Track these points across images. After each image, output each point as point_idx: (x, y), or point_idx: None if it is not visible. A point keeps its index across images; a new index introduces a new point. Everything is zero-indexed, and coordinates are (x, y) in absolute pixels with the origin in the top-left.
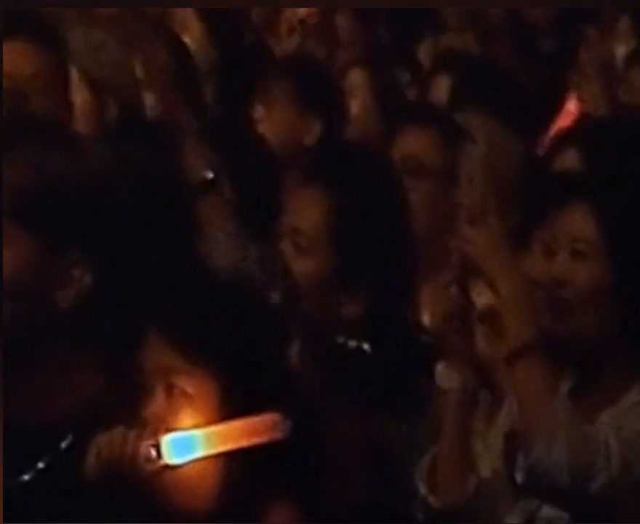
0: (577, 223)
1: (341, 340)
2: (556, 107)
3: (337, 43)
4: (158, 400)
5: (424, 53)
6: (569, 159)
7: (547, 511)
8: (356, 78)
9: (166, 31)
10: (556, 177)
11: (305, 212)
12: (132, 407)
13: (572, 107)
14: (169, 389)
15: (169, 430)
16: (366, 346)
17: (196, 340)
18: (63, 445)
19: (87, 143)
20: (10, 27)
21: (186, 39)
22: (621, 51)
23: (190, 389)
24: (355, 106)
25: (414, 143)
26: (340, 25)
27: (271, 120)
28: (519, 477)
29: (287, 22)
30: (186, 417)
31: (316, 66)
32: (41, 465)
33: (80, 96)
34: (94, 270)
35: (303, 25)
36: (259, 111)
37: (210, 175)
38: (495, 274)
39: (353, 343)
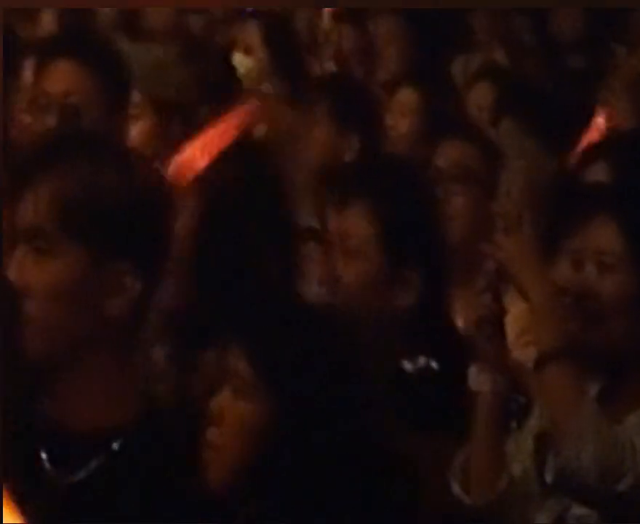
0: (604, 235)
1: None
2: (585, 121)
3: (375, 62)
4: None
5: (457, 70)
6: (598, 172)
7: (576, 510)
8: (407, 98)
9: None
10: (584, 189)
11: (352, 226)
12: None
13: (600, 121)
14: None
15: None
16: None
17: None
18: (115, 446)
19: (140, 159)
20: (65, 46)
21: (249, 58)
22: None
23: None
24: (403, 125)
25: (459, 152)
26: (379, 45)
27: (320, 139)
28: (549, 478)
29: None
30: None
31: (354, 85)
32: (92, 465)
33: (141, 114)
34: (144, 280)
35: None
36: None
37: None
38: (526, 281)
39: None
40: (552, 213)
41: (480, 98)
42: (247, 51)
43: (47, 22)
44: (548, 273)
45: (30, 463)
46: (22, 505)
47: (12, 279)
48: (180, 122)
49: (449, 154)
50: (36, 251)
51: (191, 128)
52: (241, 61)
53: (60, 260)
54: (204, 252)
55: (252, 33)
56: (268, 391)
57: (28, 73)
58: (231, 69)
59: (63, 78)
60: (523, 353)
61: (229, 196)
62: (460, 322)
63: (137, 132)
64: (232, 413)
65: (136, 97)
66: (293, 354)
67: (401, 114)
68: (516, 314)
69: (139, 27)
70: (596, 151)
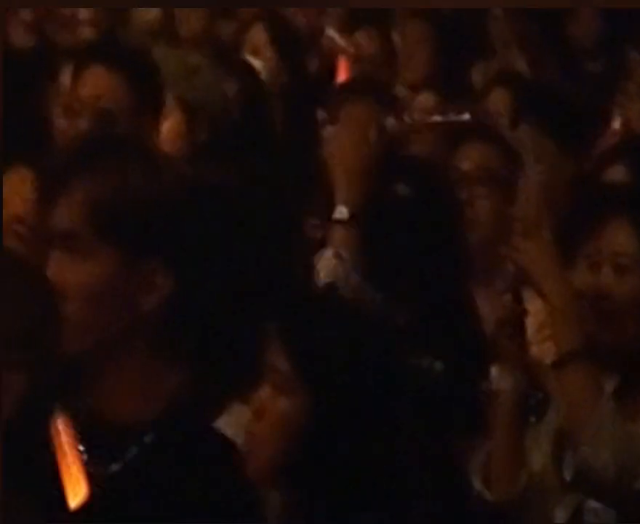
0: (620, 238)
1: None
2: (602, 125)
3: (397, 67)
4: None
5: (476, 76)
6: (616, 174)
7: (593, 504)
8: (428, 101)
9: (237, 57)
10: (599, 192)
11: None
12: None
13: (616, 125)
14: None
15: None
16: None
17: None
18: (146, 439)
19: (168, 160)
20: (100, 52)
21: (257, 62)
22: None
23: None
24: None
25: (479, 154)
26: (401, 52)
27: (338, 139)
28: (567, 474)
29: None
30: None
31: (378, 88)
32: (127, 457)
33: (172, 117)
34: (175, 276)
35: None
36: (328, 131)
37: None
38: (545, 284)
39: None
40: (569, 216)
41: (498, 103)
42: (255, 52)
43: (83, 28)
44: (566, 276)
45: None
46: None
47: (51, 281)
48: (210, 124)
49: (470, 156)
50: (71, 253)
51: (219, 130)
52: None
53: (94, 262)
54: (239, 248)
55: (259, 35)
56: (305, 387)
57: (65, 78)
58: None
59: (97, 83)
60: (541, 350)
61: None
62: (481, 323)
63: (168, 133)
64: (272, 408)
65: (168, 99)
66: (329, 351)
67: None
68: (533, 312)
69: (171, 33)
70: (613, 153)
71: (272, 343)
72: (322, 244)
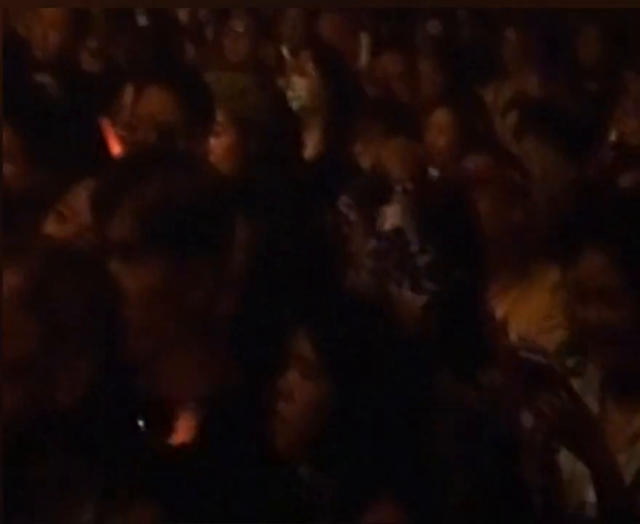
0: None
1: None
2: (600, 138)
3: (419, 86)
4: (294, 377)
5: (488, 95)
6: (621, 182)
7: None
8: (444, 117)
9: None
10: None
11: None
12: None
13: (613, 137)
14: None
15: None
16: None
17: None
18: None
19: (215, 171)
20: (158, 74)
21: (302, 80)
22: None
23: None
24: (441, 140)
25: (484, 166)
26: (423, 71)
27: (369, 153)
28: None
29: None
30: None
31: (402, 107)
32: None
33: (223, 133)
34: (218, 272)
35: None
36: (359, 147)
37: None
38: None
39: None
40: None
41: (507, 118)
42: (301, 74)
43: (141, 48)
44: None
45: (130, 430)
46: (123, 465)
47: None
48: (257, 138)
49: (478, 162)
50: (126, 262)
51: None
52: (296, 82)
53: (147, 268)
54: (272, 247)
55: (305, 58)
56: (330, 373)
57: (127, 97)
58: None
59: (154, 101)
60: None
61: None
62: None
63: (218, 147)
64: (300, 392)
65: (219, 116)
66: (351, 340)
67: (439, 132)
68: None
69: (222, 59)
70: (612, 163)
71: (299, 334)
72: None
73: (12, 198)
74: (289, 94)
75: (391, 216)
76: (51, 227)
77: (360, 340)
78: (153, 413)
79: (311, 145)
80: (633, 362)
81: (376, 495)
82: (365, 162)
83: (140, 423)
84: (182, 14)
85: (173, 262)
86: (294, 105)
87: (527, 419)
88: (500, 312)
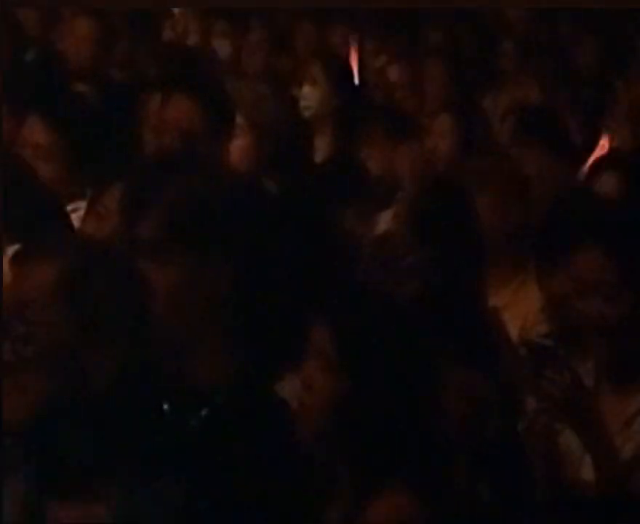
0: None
1: None
2: (592, 143)
3: (423, 94)
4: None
5: (488, 101)
6: (606, 184)
7: None
8: (446, 123)
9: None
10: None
11: None
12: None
13: (605, 143)
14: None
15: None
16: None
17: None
18: (217, 400)
19: (235, 173)
20: (183, 83)
21: (312, 89)
22: None
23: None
24: (444, 144)
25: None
26: (426, 80)
27: (374, 157)
28: None
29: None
30: None
31: (406, 114)
32: (202, 414)
33: (242, 137)
34: (239, 271)
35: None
36: (365, 151)
37: None
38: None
39: None
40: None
41: (505, 124)
42: (313, 84)
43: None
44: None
45: (155, 413)
46: (148, 445)
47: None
48: (272, 142)
49: (480, 169)
50: (153, 260)
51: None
52: (308, 91)
53: (173, 265)
54: (292, 244)
55: (317, 69)
56: (347, 366)
57: (154, 104)
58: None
59: (179, 108)
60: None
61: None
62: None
63: (237, 150)
64: (319, 383)
65: (238, 122)
66: (364, 334)
67: (441, 137)
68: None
69: (241, 69)
70: (601, 166)
71: (319, 328)
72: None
73: (52, 196)
74: (302, 102)
75: (384, 221)
76: (87, 225)
77: (371, 333)
78: (178, 398)
79: (322, 150)
80: (626, 351)
81: (388, 483)
82: (372, 166)
83: (165, 406)
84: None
85: (196, 258)
86: (306, 112)
87: (531, 403)
88: (498, 304)
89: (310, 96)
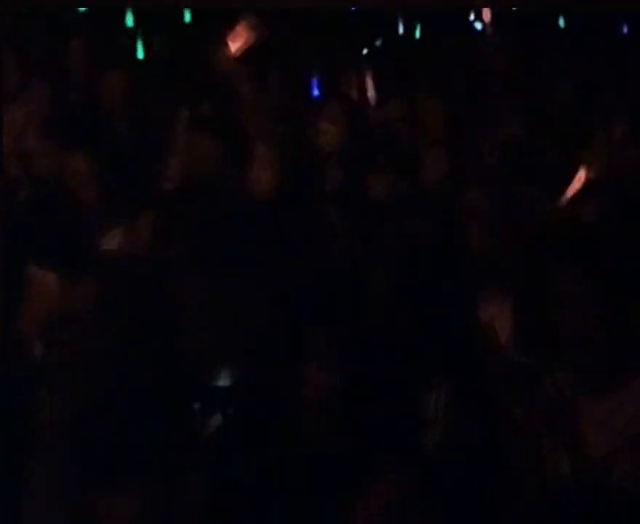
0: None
1: None
2: (570, 174)
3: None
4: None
5: (479, 136)
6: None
7: None
8: (439, 155)
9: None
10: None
11: None
12: None
13: (582, 175)
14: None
15: None
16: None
17: None
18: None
19: (254, 200)
20: (205, 124)
21: (333, 126)
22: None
23: None
24: (436, 175)
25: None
26: (421, 116)
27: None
28: None
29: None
30: None
31: (402, 146)
32: (229, 412)
33: (263, 168)
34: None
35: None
36: (369, 179)
37: None
38: None
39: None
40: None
41: (493, 157)
42: (329, 121)
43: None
44: None
45: (185, 413)
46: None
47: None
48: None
49: (472, 194)
50: (182, 276)
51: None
52: (327, 128)
53: (200, 280)
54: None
55: (334, 109)
56: (344, 366)
57: (182, 137)
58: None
59: (205, 145)
60: None
61: None
62: None
63: (259, 179)
64: (320, 379)
65: (259, 153)
66: (361, 339)
67: (434, 168)
68: None
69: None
70: (579, 194)
71: (320, 332)
72: None
73: (89, 218)
74: (317, 137)
75: None
76: (121, 244)
77: (367, 340)
78: (207, 399)
79: (331, 179)
80: (602, 361)
81: (379, 470)
82: (375, 194)
83: (196, 406)
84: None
85: (220, 276)
86: (321, 146)
87: (518, 413)
88: (487, 318)
89: (324, 131)
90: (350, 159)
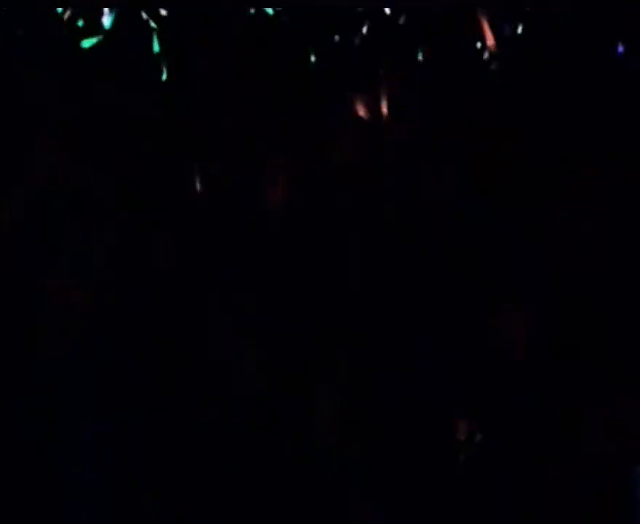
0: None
1: None
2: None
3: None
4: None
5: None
6: None
7: None
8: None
9: None
10: None
11: None
12: None
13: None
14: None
15: None
16: None
17: None
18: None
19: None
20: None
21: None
22: None
23: None
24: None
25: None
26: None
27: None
28: None
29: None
30: None
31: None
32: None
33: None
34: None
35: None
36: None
37: None
38: None
39: None
40: None
41: None
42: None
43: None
44: None
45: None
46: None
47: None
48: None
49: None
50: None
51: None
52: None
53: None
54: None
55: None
56: (353, 389)
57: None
58: None
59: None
60: None
61: None
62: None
63: (275, 199)
64: (331, 402)
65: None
66: (368, 366)
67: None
68: None
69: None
70: None
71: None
72: None
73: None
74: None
75: None
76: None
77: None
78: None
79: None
80: None
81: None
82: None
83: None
84: None
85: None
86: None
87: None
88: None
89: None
90: (363, 174)
